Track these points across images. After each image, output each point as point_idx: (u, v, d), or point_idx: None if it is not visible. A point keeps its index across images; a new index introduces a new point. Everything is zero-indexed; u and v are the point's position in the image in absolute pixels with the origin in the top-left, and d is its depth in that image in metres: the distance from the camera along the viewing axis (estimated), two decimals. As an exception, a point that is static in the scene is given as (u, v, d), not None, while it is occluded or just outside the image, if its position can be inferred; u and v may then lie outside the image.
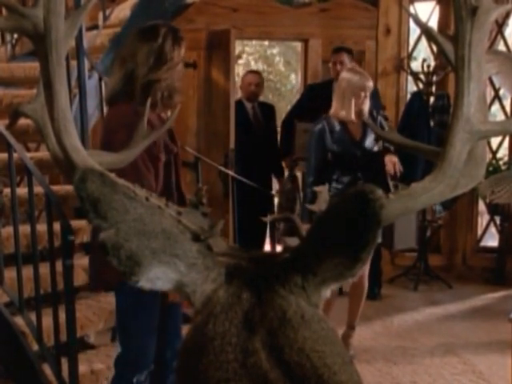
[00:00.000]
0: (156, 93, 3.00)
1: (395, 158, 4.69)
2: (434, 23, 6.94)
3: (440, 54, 6.60)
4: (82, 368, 3.42)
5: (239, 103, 6.68)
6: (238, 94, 7.16)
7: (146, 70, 2.97)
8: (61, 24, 1.20)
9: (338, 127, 4.66)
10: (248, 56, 12.96)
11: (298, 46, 8.82)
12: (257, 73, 7.16)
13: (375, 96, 6.38)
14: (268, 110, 6.90)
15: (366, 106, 4.65)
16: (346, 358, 1.17)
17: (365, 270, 4.57)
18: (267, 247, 6.75)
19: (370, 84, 4.65)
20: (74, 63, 4.07)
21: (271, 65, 13.05)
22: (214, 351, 1.12)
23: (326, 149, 4.66)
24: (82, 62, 4.19)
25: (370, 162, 4.67)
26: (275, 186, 7.01)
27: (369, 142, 4.67)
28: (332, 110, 4.73)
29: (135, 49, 3.01)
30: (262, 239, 6.62)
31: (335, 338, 1.18)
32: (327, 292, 1.21)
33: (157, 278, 1.15)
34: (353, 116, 4.63)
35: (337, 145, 4.64)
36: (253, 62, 12.97)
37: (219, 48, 6.42)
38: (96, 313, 3.82)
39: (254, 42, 12.24)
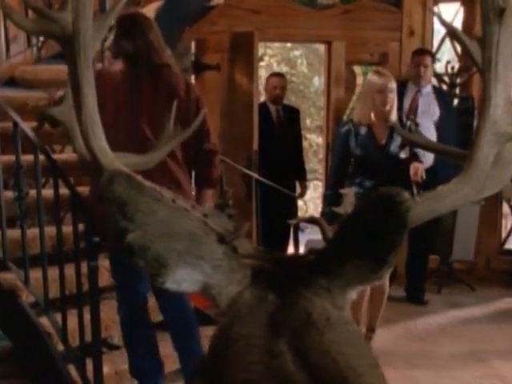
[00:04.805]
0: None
1: (419, 165, 4.62)
2: (458, 24, 6.90)
3: (464, 56, 6.60)
4: (107, 368, 3.44)
5: (263, 106, 6.68)
6: (262, 97, 7.16)
7: None
8: (89, 27, 1.21)
9: (363, 130, 4.58)
10: (270, 58, 12.95)
11: (321, 48, 8.80)
12: (281, 75, 7.11)
13: (446, 100, 6.37)
14: (292, 113, 6.88)
15: (393, 109, 4.56)
16: (371, 361, 1.16)
17: None
18: (290, 250, 6.74)
19: (391, 86, 4.53)
20: (98, 66, 4.10)
21: (294, 67, 13.03)
22: (239, 353, 1.12)
23: (350, 152, 4.59)
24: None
25: (393, 168, 4.55)
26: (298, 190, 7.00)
27: (394, 147, 4.58)
28: (356, 113, 4.71)
29: None
30: (286, 242, 6.60)
31: (361, 341, 1.18)
32: (353, 294, 1.21)
33: (183, 279, 1.16)
34: (372, 117, 4.56)
35: (360, 148, 4.57)
36: (275, 64, 12.96)
37: (242, 50, 6.42)
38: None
39: (276, 44, 12.23)
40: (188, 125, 3.37)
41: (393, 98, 4.53)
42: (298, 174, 6.86)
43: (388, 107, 4.51)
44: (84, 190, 3.88)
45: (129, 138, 3.18)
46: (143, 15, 3.32)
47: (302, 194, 7.06)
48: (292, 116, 6.83)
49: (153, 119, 3.27)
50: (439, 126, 6.01)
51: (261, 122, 6.46)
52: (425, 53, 6.23)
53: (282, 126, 6.67)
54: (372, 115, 4.56)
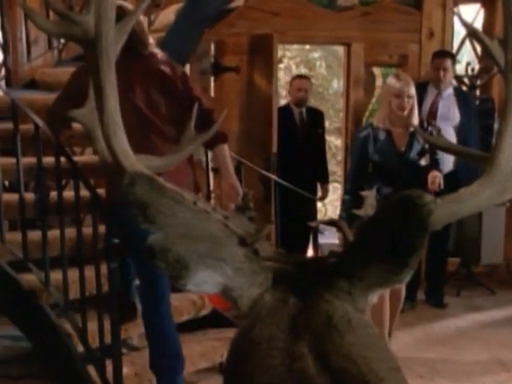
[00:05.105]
0: None
1: (437, 174, 4.46)
2: (478, 26, 6.85)
3: (484, 57, 6.53)
4: (126, 370, 3.45)
5: (286, 108, 6.68)
6: (282, 99, 7.15)
7: None
8: (111, 30, 1.22)
9: (382, 136, 4.46)
10: (289, 60, 12.95)
11: (339, 50, 8.79)
12: (305, 77, 7.06)
13: (467, 102, 6.30)
14: (316, 115, 6.86)
15: (412, 115, 4.42)
16: (392, 365, 1.16)
17: None
18: (309, 252, 6.72)
19: (409, 90, 4.39)
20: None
21: (312, 69, 13.02)
22: (261, 355, 1.12)
23: (368, 157, 4.49)
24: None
25: (413, 175, 4.41)
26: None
27: (414, 153, 4.46)
28: (375, 117, 4.62)
29: None
30: (305, 244, 6.57)
31: (382, 344, 1.18)
32: (374, 297, 1.21)
33: (203, 281, 1.16)
34: (387, 122, 4.45)
35: (378, 154, 4.46)
36: (294, 67, 12.96)
37: (261, 52, 6.42)
38: (139, 315, 3.85)
39: (294, 47, 12.24)
40: (178, 100, 3.45)
41: (411, 103, 4.40)
42: (320, 176, 6.84)
43: (405, 112, 4.40)
44: (104, 191, 3.90)
45: (139, 123, 3.36)
46: (127, 10, 3.35)
47: (323, 197, 7.04)
48: (316, 118, 6.80)
49: (149, 101, 3.46)
50: (460, 129, 5.97)
51: (284, 124, 6.45)
52: (445, 55, 6.14)
53: (304, 129, 6.64)
54: (388, 120, 4.45)
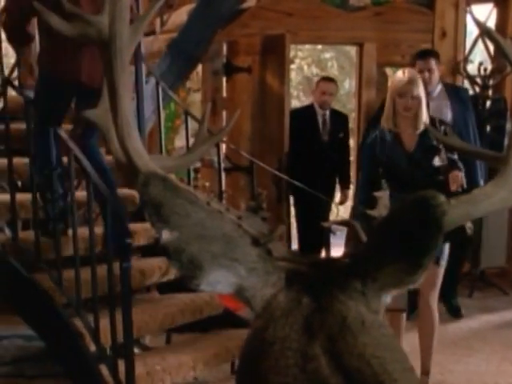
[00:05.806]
0: None
1: (458, 173, 4.16)
2: (491, 26, 6.82)
3: (497, 57, 6.44)
4: (138, 369, 3.45)
5: (310, 108, 6.59)
6: (294, 99, 7.11)
7: None
8: (125, 30, 1.22)
9: (389, 137, 4.16)
10: (301, 61, 12.95)
11: (351, 50, 8.77)
12: (332, 81, 6.79)
13: (460, 97, 6.15)
14: (340, 118, 6.74)
15: (419, 115, 4.09)
16: (406, 365, 1.16)
17: (432, 302, 4.31)
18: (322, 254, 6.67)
19: (414, 90, 4.08)
20: (131, 68, 4.13)
21: (324, 69, 13.01)
22: (274, 356, 1.12)
23: (377, 162, 4.22)
24: (139, 67, 4.25)
25: (427, 178, 4.09)
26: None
27: (424, 153, 4.13)
28: (382, 117, 4.29)
29: None
30: (320, 245, 6.45)
31: (395, 345, 1.18)
32: (387, 298, 1.21)
33: (217, 281, 1.17)
34: (391, 123, 4.15)
35: (387, 157, 4.17)
36: (306, 67, 12.95)
37: (274, 53, 6.41)
38: (152, 315, 3.86)
39: (306, 47, 12.23)
40: None
41: (416, 103, 4.09)
42: (341, 181, 6.76)
43: (411, 113, 4.10)
44: (118, 191, 3.91)
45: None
46: None
47: (343, 202, 6.98)
48: (339, 121, 6.67)
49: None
50: (454, 126, 5.69)
51: (306, 124, 6.38)
52: (427, 56, 5.75)
53: (325, 131, 6.54)
54: (393, 120, 4.16)
